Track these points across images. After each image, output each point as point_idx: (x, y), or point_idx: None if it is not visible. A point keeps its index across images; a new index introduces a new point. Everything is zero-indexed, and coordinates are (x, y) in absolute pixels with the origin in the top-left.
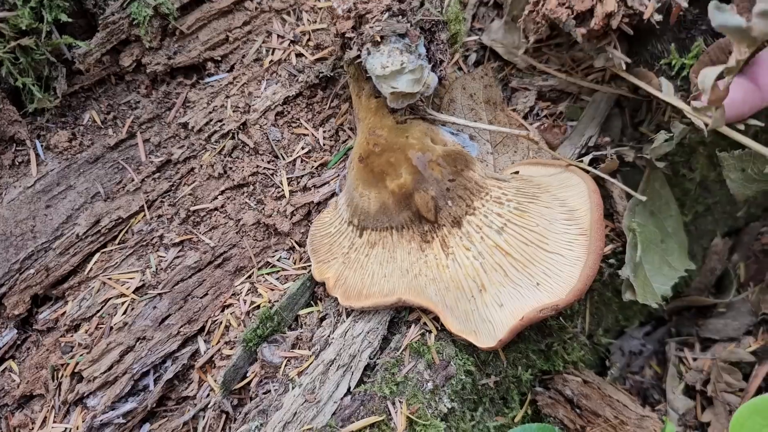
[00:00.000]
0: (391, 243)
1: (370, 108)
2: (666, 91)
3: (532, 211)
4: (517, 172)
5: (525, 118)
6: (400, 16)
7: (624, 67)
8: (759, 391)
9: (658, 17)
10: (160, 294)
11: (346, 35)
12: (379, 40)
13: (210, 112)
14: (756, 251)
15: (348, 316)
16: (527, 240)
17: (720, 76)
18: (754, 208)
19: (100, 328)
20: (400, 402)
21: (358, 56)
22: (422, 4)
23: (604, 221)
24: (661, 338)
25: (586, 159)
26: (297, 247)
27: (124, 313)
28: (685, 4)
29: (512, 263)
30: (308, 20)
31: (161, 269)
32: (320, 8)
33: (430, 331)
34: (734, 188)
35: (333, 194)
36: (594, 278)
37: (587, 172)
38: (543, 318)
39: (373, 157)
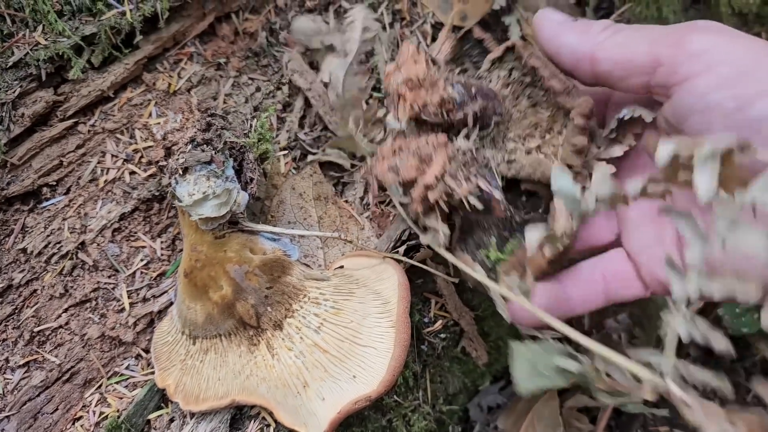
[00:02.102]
0: (222, 348)
1: (192, 225)
2: (476, 271)
3: (346, 308)
4: (341, 267)
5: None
6: (205, 145)
7: (442, 244)
8: (608, 429)
9: (477, 203)
10: (7, 416)
11: (159, 163)
12: (182, 171)
13: (48, 236)
14: None
15: (192, 417)
16: (342, 336)
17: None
18: None
19: None
20: None
21: (170, 183)
22: (225, 128)
23: (408, 313)
24: (516, 391)
25: (402, 249)
26: (144, 354)
27: None
28: (499, 196)
29: (330, 359)
30: (141, 137)
31: (8, 391)
32: (152, 125)
33: (269, 425)
34: (519, 380)
35: (171, 303)
36: (401, 368)
37: (402, 262)
38: (360, 408)
39: (196, 271)
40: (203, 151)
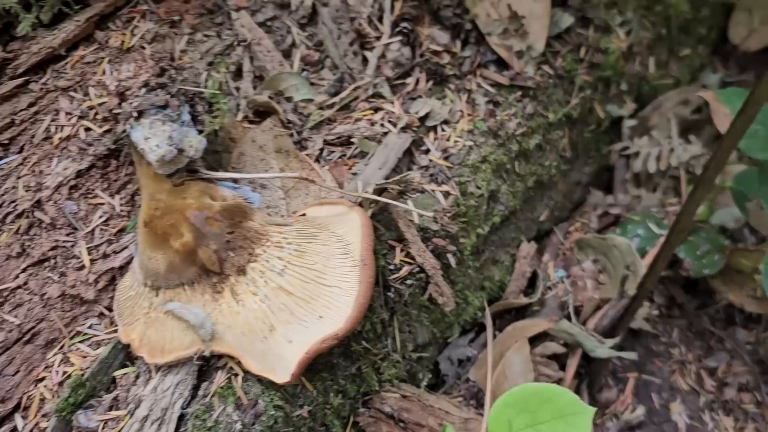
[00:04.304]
0: (186, 298)
1: (149, 175)
2: None
3: (310, 250)
4: (304, 215)
5: (317, 161)
6: (159, 89)
7: None
8: (578, 376)
9: None
10: None
11: (114, 111)
12: (137, 114)
13: (2, 195)
14: (565, 250)
15: (158, 371)
16: (307, 278)
17: None
18: (558, 211)
19: None
20: None
21: (125, 130)
22: (179, 77)
23: (373, 251)
24: (485, 342)
25: (371, 189)
26: (107, 312)
27: None
28: None
29: (296, 301)
30: (95, 95)
31: None
32: (105, 80)
33: (236, 375)
34: None
35: (132, 258)
36: (367, 304)
37: (377, 201)
38: (328, 347)
39: (156, 220)
40: (157, 95)
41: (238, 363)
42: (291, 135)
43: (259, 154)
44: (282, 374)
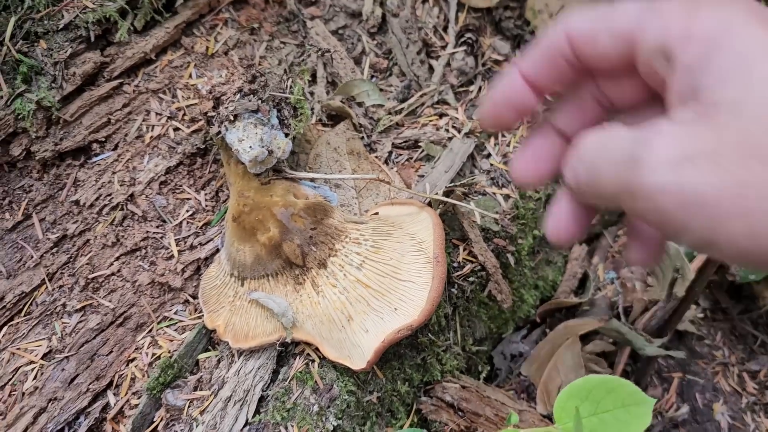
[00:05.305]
0: (269, 288)
1: (238, 173)
2: None
3: (386, 246)
4: (376, 213)
5: (385, 163)
6: (252, 95)
7: None
8: (625, 374)
9: None
10: (67, 357)
11: (208, 114)
12: (232, 118)
13: (99, 188)
14: (614, 252)
15: (240, 356)
16: (383, 272)
17: None
18: (608, 215)
19: (13, 395)
20: (291, 426)
21: (219, 132)
22: (266, 84)
23: (444, 250)
24: (537, 339)
25: (440, 191)
26: (191, 299)
27: (35, 378)
28: None
29: (372, 294)
30: (182, 96)
31: (66, 334)
32: (192, 85)
33: (313, 361)
34: None
35: (217, 249)
36: (439, 299)
37: (444, 202)
38: (402, 337)
39: (244, 216)
40: (250, 100)
41: (316, 350)
42: (362, 138)
43: (334, 156)
44: (358, 361)
